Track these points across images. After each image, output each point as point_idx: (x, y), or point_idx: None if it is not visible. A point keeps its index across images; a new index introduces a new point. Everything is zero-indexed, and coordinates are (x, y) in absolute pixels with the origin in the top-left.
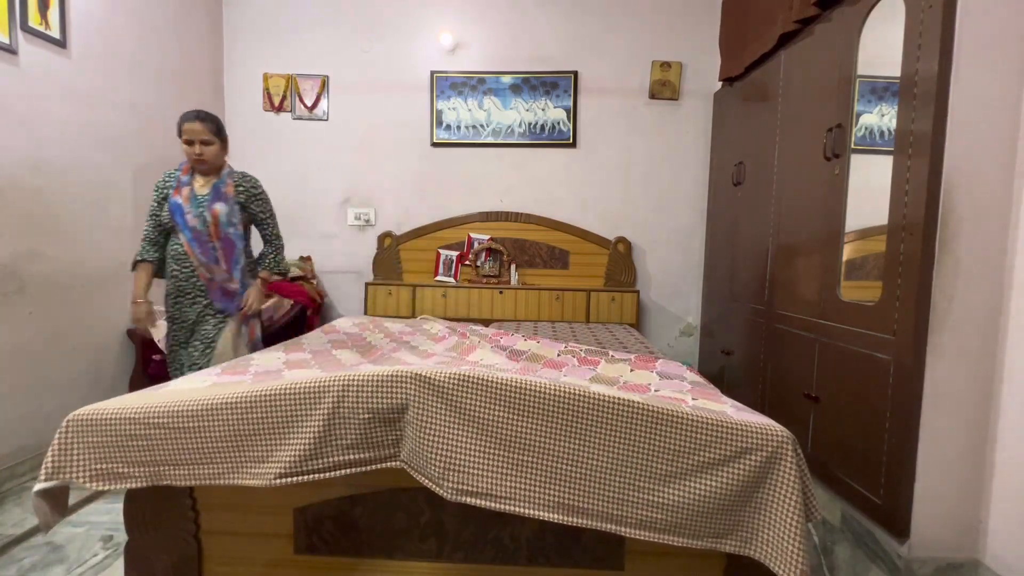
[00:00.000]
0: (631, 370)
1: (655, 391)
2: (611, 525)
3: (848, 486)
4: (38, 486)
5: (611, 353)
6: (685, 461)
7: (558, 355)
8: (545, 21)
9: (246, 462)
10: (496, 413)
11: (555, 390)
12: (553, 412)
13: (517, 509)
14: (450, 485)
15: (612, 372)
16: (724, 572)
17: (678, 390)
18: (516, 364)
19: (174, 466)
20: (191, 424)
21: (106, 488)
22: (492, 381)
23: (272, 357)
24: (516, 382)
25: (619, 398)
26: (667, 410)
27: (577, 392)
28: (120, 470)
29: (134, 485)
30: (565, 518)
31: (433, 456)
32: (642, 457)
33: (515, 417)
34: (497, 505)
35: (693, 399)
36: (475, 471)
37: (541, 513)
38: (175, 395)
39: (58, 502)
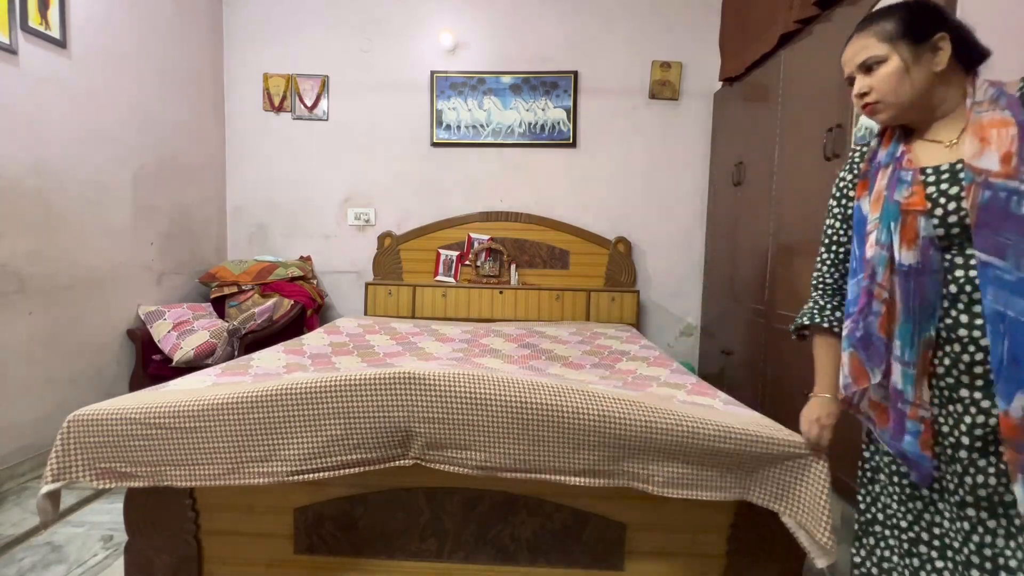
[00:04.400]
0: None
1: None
2: (638, 484)
3: (848, 486)
4: (45, 488)
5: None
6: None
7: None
8: (545, 21)
9: (247, 462)
10: (507, 397)
11: (555, 390)
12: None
13: (546, 477)
14: (475, 463)
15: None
16: (724, 572)
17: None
18: (515, 366)
19: (175, 466)
20: (191, 424)
21: (109, 486)
22: (492, 379)
23: (272, 358)
24: (515, 381)
25: (615, 397)
26: (663, 409)
27: (575, 391)
28: (123, 469)
29: (137, 484)
30: (592, 481)
31: (450, 443)
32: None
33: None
34: (525, 476)
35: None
36: (497, 450)
37: (568, 479)
38: (175, 395)
39: (57, 501)
